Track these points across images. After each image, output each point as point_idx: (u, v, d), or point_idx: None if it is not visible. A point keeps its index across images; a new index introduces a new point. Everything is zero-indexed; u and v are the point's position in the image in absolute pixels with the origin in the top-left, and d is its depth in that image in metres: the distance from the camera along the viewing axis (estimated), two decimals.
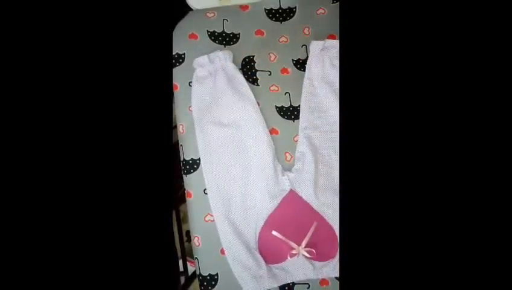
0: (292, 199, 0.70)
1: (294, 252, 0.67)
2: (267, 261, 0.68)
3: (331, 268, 0.68)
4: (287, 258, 0.68)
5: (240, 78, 0.74)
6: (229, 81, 0.73)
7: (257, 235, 0.69)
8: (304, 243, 0.67)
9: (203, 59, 0.73)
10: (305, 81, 0.74)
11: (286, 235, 0.68)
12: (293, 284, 0.70)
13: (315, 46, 0.74)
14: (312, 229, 0.68)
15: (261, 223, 0.69)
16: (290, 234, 0.68)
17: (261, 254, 0.68)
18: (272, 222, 0.69)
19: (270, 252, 0.68)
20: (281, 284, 0.68)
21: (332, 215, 0.69)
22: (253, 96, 0.73)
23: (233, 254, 0.68)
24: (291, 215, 0.69)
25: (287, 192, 0.70)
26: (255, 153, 0.71)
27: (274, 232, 0.67)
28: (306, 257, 0.67)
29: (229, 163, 0.71)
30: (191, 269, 0.96)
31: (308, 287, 0.70)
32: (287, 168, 0.72)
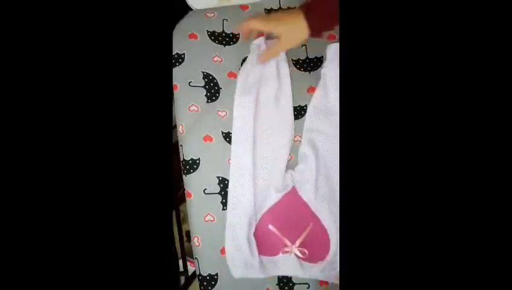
0: (293, 196, 0.70)
1: (287, 249, 0.68)
2: (260, 251, 0.68)
3: (319, 270, 0.68)
4: (279, 253, 0.68)
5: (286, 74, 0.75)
6: (276, 68, 0.74)
7: (255, 224, 0.69)
8: (297, 243, 0.68)
9: (260, 40, 0.73)
10: (320, 82, 0.75)
11: (282, 230, 0.69)
12: (293, 284, 0.70)
13: (333, 49, 0.74)
14: (307, 231, 0.68)
15: (262, 213, 0.69)
16: (286, 230, 0.69)
17: (256, 243, 0.68)
18: (271, 214, 0.70)
19: (264, 244, 0.69)
20: (268, 276, 0.69)
21: (328, 219, 0.69)
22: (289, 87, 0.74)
23: (234, 234, 0.68)
24: (290, 211, 0.70)
25: (290, 188, 0.70)
26: (279, 142, 0.72)
27: (270, 227, 0.68)
28: (298, 256, 0.68)
29: (261, 142, 0.72)
30: (191, 269, 0.96)
31: (308, 287, 0.70)
32: (288, 167, 0.73)
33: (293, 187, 0.71)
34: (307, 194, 0.70)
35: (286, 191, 0.70)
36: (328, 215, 0.69)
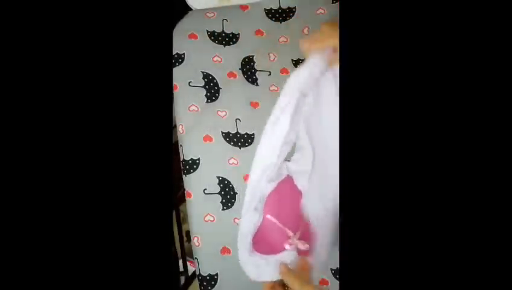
0: (288, 184, 0.69)
1: (290, 241, 0.65)
2: (265, 251, 0.67)
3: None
4: (284, 248, 0.65)
5: None
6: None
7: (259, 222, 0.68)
8: (298, 234, 0.66)
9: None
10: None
11: (281, 219, 0.67)
12: None
13: None
14: (304, 220, 0.67)
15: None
16: (284, 219, 0.67)
17: (256, 240, 0.67)
18: (268, 204, 0.68)
19: (268, 241, 0.68)
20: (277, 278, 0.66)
21: (318, 207, 0.67)
22: None
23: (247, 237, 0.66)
24: (287, 200, 0.69)
25: (284, 176, 0.69)
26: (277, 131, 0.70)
27: (268, 216, 0.66)
28: (299, 249, 0.65)
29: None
30: (191, 269, 0.96)
31: None
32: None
33: (287, 175, 0.69)
34: (302, 184, 0.68)
35: (280, 179, 0.69)
36: (318, 204, 0.67)
